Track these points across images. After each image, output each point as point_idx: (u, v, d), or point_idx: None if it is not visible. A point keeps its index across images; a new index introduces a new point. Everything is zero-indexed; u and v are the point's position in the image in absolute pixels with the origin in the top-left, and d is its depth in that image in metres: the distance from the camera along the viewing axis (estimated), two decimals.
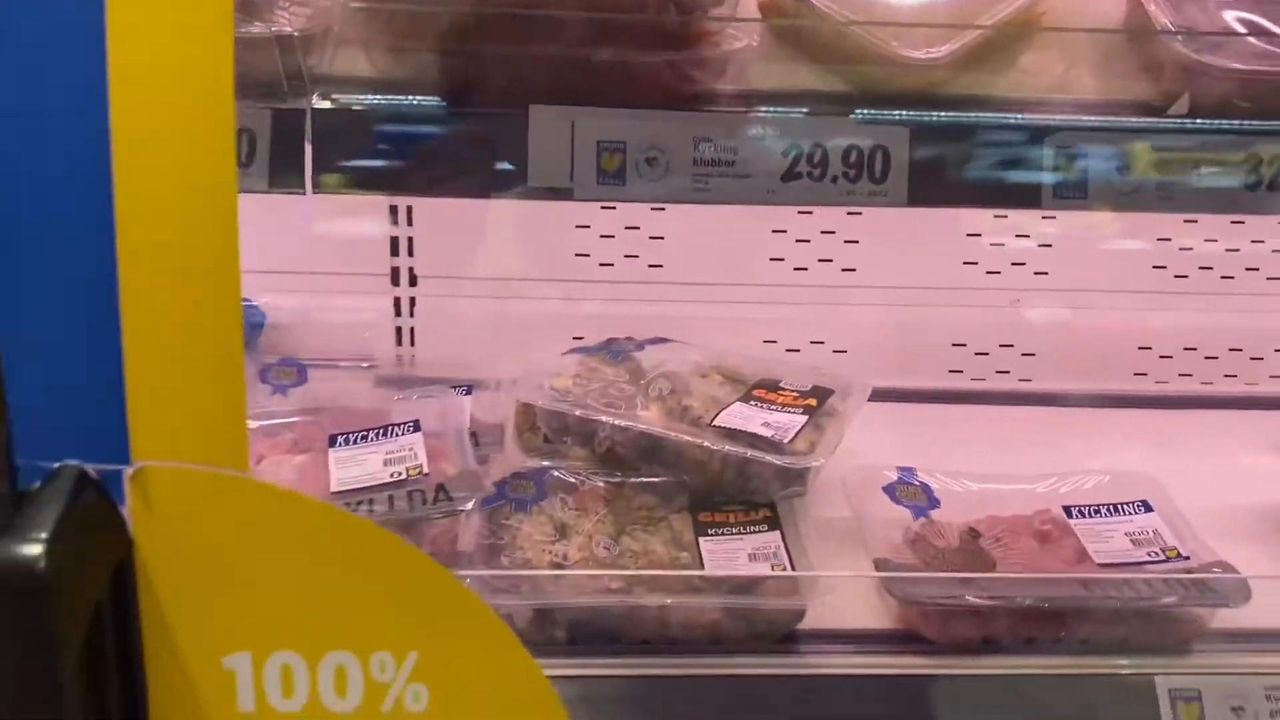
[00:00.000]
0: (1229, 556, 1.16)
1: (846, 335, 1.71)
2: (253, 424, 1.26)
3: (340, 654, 0.60)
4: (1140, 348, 1.76)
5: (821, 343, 1.71)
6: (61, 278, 0.57)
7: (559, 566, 1.13)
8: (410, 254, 1.64)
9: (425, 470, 1.19)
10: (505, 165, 0.99)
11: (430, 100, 1.01)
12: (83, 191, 0.55)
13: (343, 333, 1.63)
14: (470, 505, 1.14)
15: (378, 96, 1.01)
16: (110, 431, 0.56)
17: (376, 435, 1.26)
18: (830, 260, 1.68)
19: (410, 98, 1.01)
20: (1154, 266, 1.72)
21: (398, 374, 1.58)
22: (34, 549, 0.52)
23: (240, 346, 0.55)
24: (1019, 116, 1.02)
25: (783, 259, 1.68)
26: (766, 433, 1.22)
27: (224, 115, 0.54)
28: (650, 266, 1.66)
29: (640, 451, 1.26)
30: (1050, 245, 1.69)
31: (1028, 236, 1.69)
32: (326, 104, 0.98)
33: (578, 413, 1.26)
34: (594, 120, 0.98)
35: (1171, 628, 1.14)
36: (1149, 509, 1.25)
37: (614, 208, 1.64)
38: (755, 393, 1.31)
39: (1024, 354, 1.74)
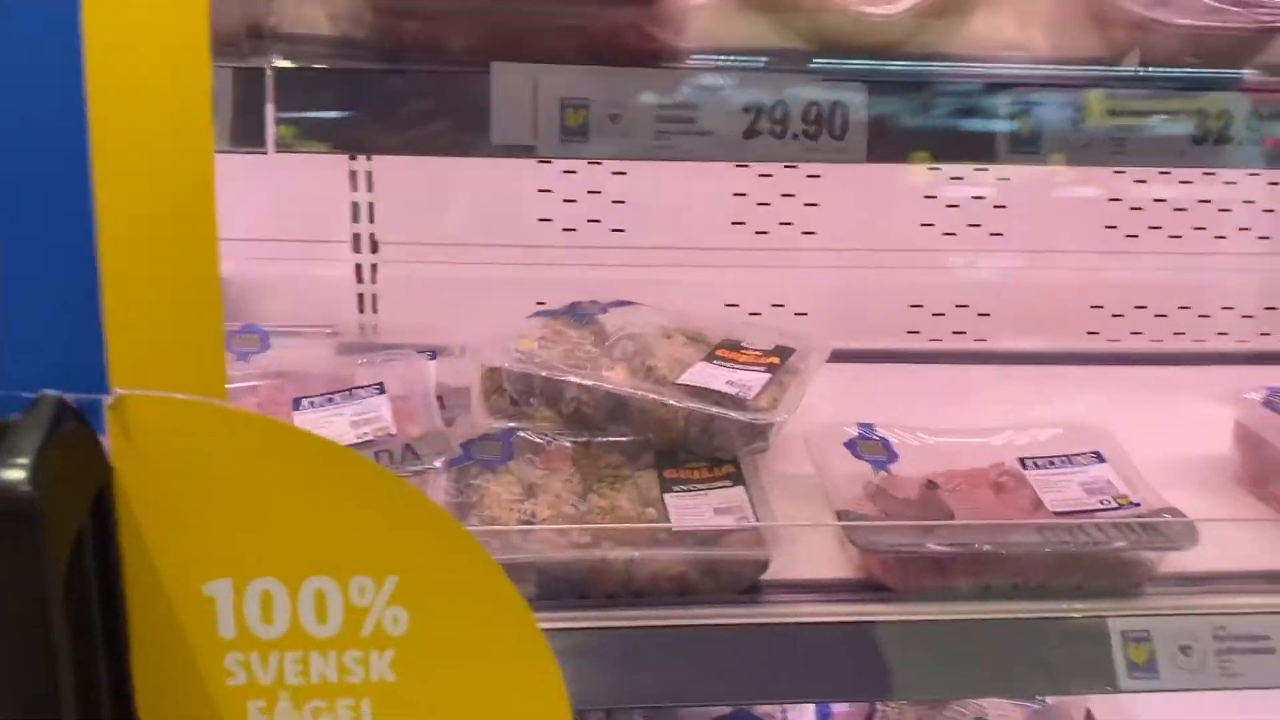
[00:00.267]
0: (1178, 504, 1.20)
1: (807, 298, 1.73)
2: None
3: (320, 579, 0.61)
4: (1093, 306, 1.80)
5: (782, 305, 1.73)
6: (39, 208, 0.57)
7: (527, 524, 1.15)
8: (371, 220, 1.64)
9: (392, 431, 1.19)
10: (468, 123, 0.99)
11: (392, 59, 1.01)
12: (58, 121, 0.55)
13: (305, 300, 1.63)
14: (438, 464, 1.15)
15: (338, 55, 1.01)
16: (89, 362, 0.57)
17: (341, 398, 1.26)
18: (791, 224, 1.70)
19: (371, 57, 1.01)
20: (1106, 227, 1.76)
21: (361, 340, 1.58)
22: (17, 474, 0.52)
23: (217, 276, 0.56)
24: (975, 65, 1.04)
25: (744, 222, 1.70)
26: (730, 390, 1.24)
27: (197, 42, 0.54)
28: (613, 231, 1.67)
29: (607, 412, 1.27)
30: (1005, 207, 1.73)
31: (983, 198, 1.72)
32: (288, 63, 0.98)
33: (544, 374, 1.27)
34: (557, 77, 0.98)
35: (1123, 572, 1.18)
36: (1101, 460, 1.28)
37: (575, 171, 1.64)
38: (719, 353, 1.33)
39: (980, 314, 1.77)
